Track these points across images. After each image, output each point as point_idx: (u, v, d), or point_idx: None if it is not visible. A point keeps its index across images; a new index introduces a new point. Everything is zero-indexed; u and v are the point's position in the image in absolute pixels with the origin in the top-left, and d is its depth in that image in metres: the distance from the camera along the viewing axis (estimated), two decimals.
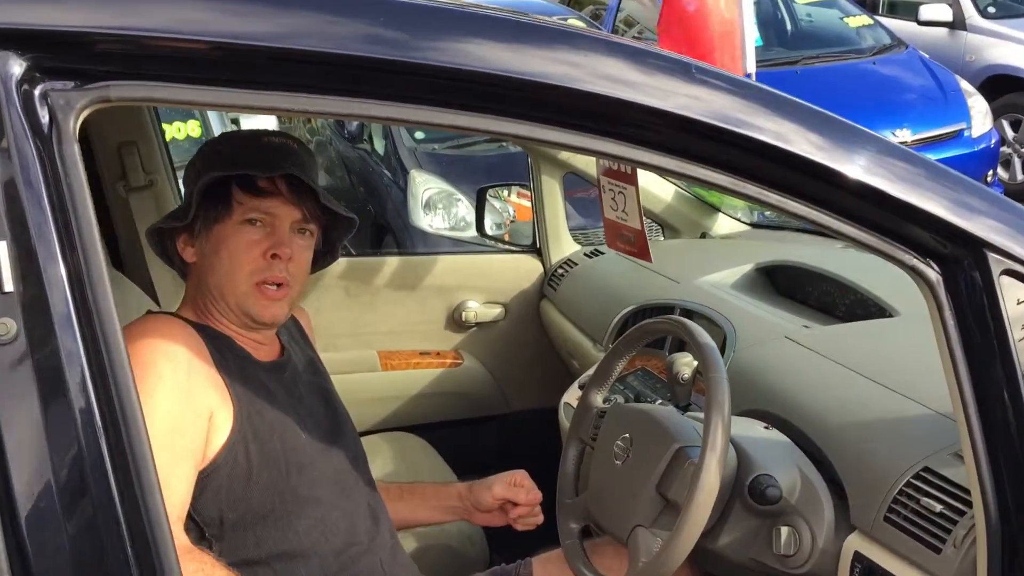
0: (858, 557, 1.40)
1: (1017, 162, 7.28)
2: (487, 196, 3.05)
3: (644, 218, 1.95)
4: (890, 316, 1.89)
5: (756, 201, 1.14)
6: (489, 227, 3.12)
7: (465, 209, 5.08)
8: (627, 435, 1.56)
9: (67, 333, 0.94)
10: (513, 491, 1.73)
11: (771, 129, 1.11)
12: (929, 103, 6.53)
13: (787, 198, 1.15)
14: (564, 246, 2.80)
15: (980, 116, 6.46)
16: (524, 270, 2.81)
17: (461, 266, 2.81)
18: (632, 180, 1.90)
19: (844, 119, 1.18)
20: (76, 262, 0.95)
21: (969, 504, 1.27)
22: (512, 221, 3.42)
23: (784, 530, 1.46)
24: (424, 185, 5.05)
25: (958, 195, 1.18)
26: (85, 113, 0.98)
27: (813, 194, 1.16)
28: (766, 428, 1.60)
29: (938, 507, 1.30)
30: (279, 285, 1.46)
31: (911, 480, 1.36)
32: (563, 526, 1.66)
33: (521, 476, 1.76)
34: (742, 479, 1.48)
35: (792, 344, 1.82)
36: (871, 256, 2.32)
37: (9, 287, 0.93)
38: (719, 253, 2.49)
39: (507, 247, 2.93)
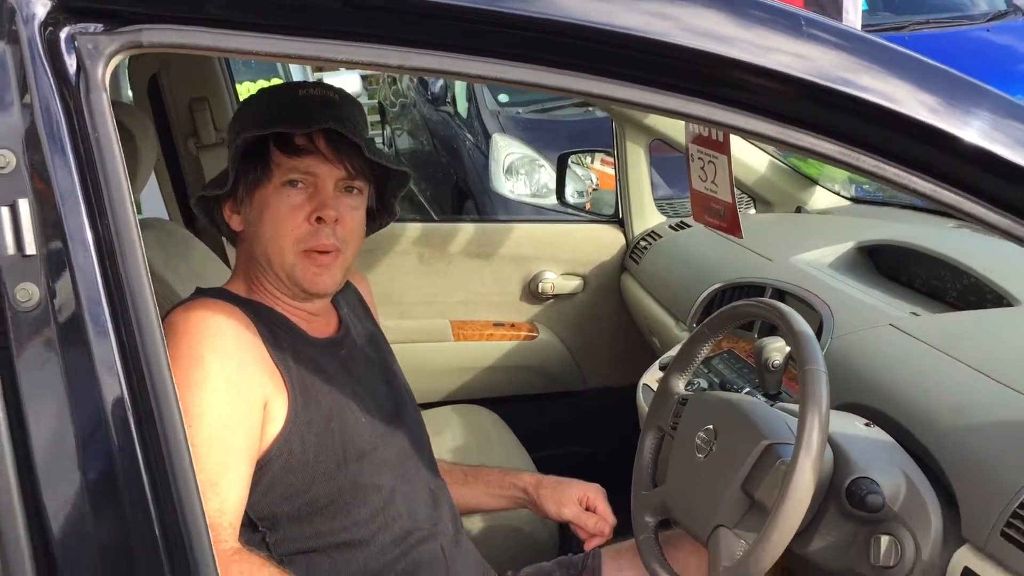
0: (967, 573, 1.25)
1: None
2: (569, 162, 2.91)
3: (735, 190, 1.80)
4: (1009, 305, 1.71)
5: (872, 176, 0.99)
6: (570, 195, 2.99)
7: (547, 175, 4.95)
8: (710, 426, 1.43)
9: (94, 302, 0.85)
10: (583, 517, 1.59)
11: (885, 91, 0.95)
12: None
13: (907, 172, 1.00)
14: (648, 217, 2.66)
15: None
16: (605, 241, 2.67)
17: (539, 235, 2.69)
18: (724, 149, 1.74)
19: (974, 80, 1.03)
20: (105, 224, 0.86)
21: None
22: (595, 189, 3.28)
23: (884, 539, 1.31)
24: (506, 150, 4.93)
25: None
26: (115, 60, 0.88)
27: (936, 167, 1.01)
28: (867, 425, 1.44)
29: None
30: (326, 252, 1.36)
31: None
32: (638, 519, 1.54)
33: (595, 495, 1.61)
34: (839, 481, 1.33)
35: (897, 332, 1.66)
36: (987, 238, 2.13)
37: (31, 250, 0.84)
38: (816, 230, 2.31)
39: (588, 216, 2.79)
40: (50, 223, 0.85)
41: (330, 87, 1.42)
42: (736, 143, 2.51)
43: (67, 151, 0.86)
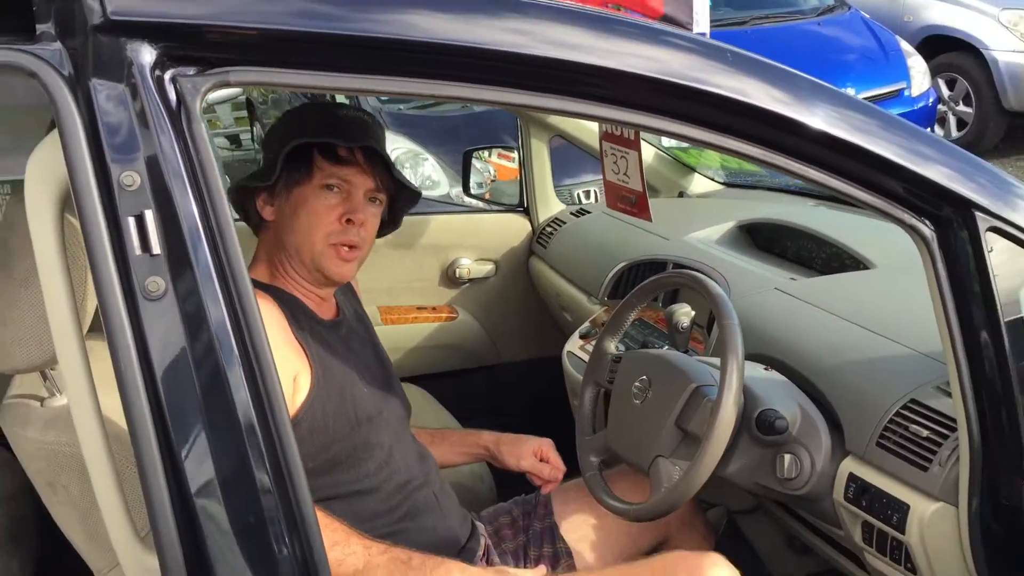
0: (852, 478, 1.60)
1: (952, 120, 7.57)
2: (472, 158, 3.18)
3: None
4: (866, 268, 2.09)
5: (741, 155, 1.26)
6: (473, 187, 3.26)
7: (431, 168, 5.21)
8: (644, 377, 1.74)
9: (208, 288, 1.07)
10: (539, 467, 1.87)
11: (738, 87, 1.22)
12: (871, 63, 6.76)
13: (769, 152, 1.27)
14: (551, 205, 2.96)
15: (919, 75, 6.73)
16: (513, 228, 2.96)
17: (454, 225, 2.96)
18: (634, 146, 2.06)
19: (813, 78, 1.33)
20: (210, 225, 1.08)
21: (951, 429, 1.48)
22: (493, 181, 3.56)
23: (787, 457, 1.65)
24: (391, 144, 5.14)
25: (951, 160, 1.36)
26: (208, 95, 1.11)
27: (789, 146, 1.31)
28: (766, 369, 1.78)
29: (924, 432, 1.50)
30: (351, 247, 1.60)
31: (900, 411, 1.56)
32: (584, 460, 1.84)
33: (547, 448, 1.90)
34: (749, 414, 1.66)
35: (782, 295, 2.01)
36: (843, 213, 2.53)
37: (157, 250, 1.06)
38: (701, 212, 2.67)
39: (498, 206, 3.08)
40: (170, 228, 1.07)
41: (364, 111, 1.67)
42: None
43: (179, 169, 1.07)
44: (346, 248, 1.61)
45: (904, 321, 1.78)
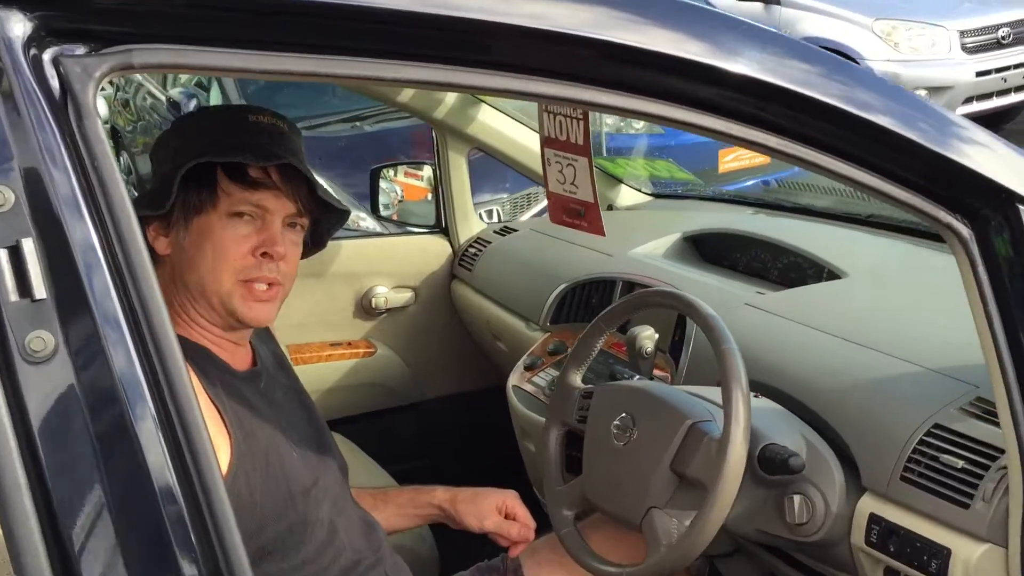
0: (874, 519, 1.40)
1: None
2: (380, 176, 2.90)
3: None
4: (836, 277, 1.92)
5: (659, 119, 1.05)
6: (380, 208, 2.99)
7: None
8: (625, 415, 1.50)
9: (118, 342, 0.78)
10: (505, 526, 1.60)
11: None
12: None
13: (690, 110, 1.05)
14: (472, 224, 2.71)
15: None
16: (432, 251, 2.70)
17: (367, 251, 2.67)
18: (584, 151, 1.83)
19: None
20: (115, 257, 0.80)
21: (991, 457, 1.29)
22: (400, 201, 3.28)
23: (796, 499, 1.44)
24: None
25: (988, 149, 1.18)
26: (104, 82, 0.82)
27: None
28: (756, 397, 1.57)
29: (959, 463, 1.32)
30: (269, 285, 1.31)
31: (923, 439, 1.37)
32: (556, 514, 1.59)
33: (513, 502, 1.63)
34: (750, 450, 1.45)
35: (755, 311, 1.82)
36: (792, 220, 2.37)
37: (41, 293, 0.76)
38: (640, 224, 2.47)
39: (415, 228, 2.80)
40: (59, 263, 0.77)
41: (279, 115, 1.36)
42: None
43: (71, 184, 0.78)
44: (263, 286, 1.32)
45: (902, 335, 1.60)
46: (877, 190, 1.14)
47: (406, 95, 2.43)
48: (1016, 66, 7.17)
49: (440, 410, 2.73)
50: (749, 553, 1.80)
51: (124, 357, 0.79)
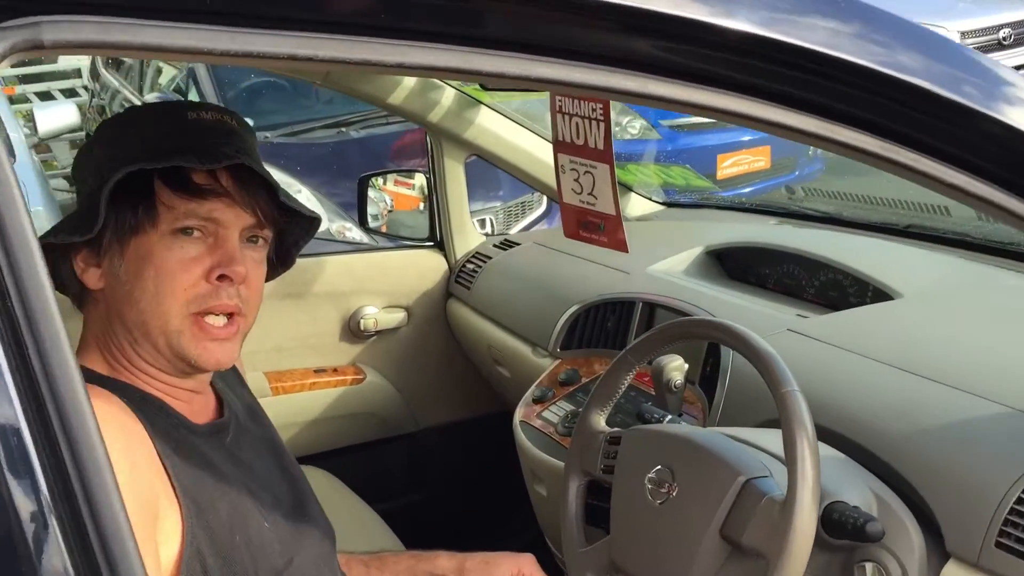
0: None
1: None
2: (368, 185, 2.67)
3: (604, 201, 1.67)
4: (888, 298, 1.70)
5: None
6: (368, 219, 2.76)
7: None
8: (661, 467, 1.28)
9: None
10: None
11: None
12: None
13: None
14: (470, 238, 2.48)
15: None
16: (426, 267, 2.47)
17: (354, 267, 2.43)
18: (605, 157, 1.61)
19: None
20: (6, 292, 0.57)
21: None
22: (390, 211, 3.05)
23: (868, 567, 1.21)
24: None
25: None
26: (5, 64, 0.59)
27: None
28: None
29: None
30: (229, 316, 1.07)
31: (1021, 496, 1.15)
32: None
33: (529, 569, 1.39)
34: None
35: (800, 338, 1.59)
36: (821, 231, 2.15)
37: None
38: (657, 237, 2.24)
39: (407, 242, 2.57)
40: None
41: (224, 110, 1.12)
42: (545, 148, 2.39)
43: None
44: (220, 320, 1.07)
45: (980, 369, 1.38)
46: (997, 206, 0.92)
47: (398, 96, 2.20)
48: (1018, 67, 7.00)
49: (436, 441, 2.49)
50: None
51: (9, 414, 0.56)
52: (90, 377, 1.01)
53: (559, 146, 1.69)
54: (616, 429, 1.41)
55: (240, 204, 1.07)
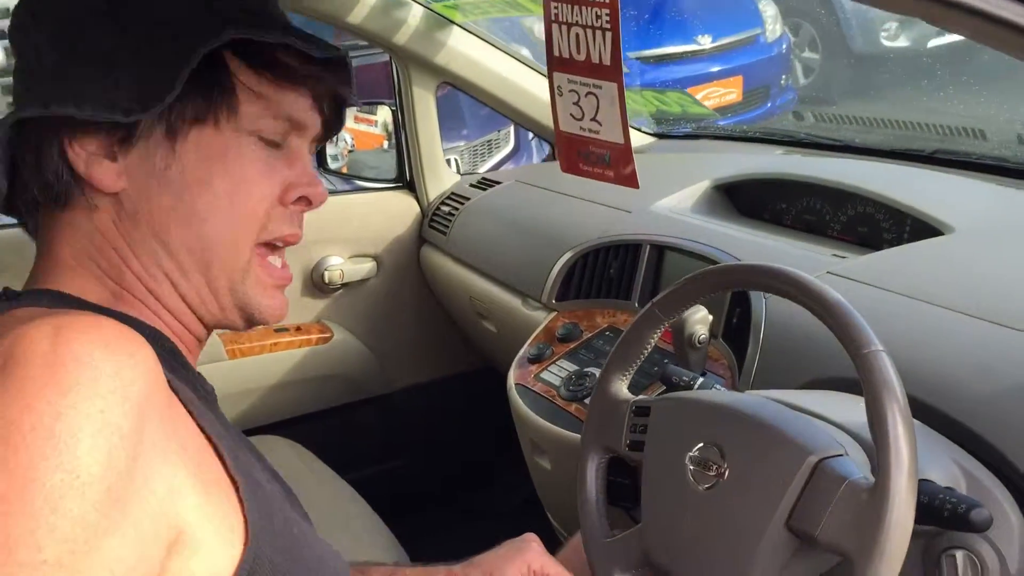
0: None
1: (799, 66, 7.30)
2: None
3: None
4: (936, 233, 1.48)
5: None
6: (327, 160, 2.48)
7: None
8: (705, 444, 1.05)
9: None
10: None
11: None
12: (723, 8, 6.39)
13: None
14: (443, 177, 2.23)
15: (772, 20, 6.40)
16: (396, 211, 2.21)
17: (314, 212, 2.14)
18: (613, 74, 1.35)
19: None
20: None
21: None
22: (351, 151, 2.77)
23: (959, 556, 1.01)
24: None
25: None
26: None
27: None
28: None
29: None
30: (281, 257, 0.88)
31: None
32: None
33: (540, 561, 1.15)
34: None
35: (845, 282, 1.37)
36: (840, 160, 1.92)
37: None
38: (659, 172, 1.99)
39: (369, 184, 2.30)
40: None
41: None
42: (527, 74, 2.14)
43: None
44: (278, 260, 0.88)
45: None
46: None
47: (358, 15, 1.92)
48: None
49: (411, 403, 2.27)
50: None
51: None
52: (81, 307, 0.76)
53: (555, 63, 1.42)
54: (643, 397, 1.18)
55: (320, 108, 0.85)
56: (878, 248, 1.55)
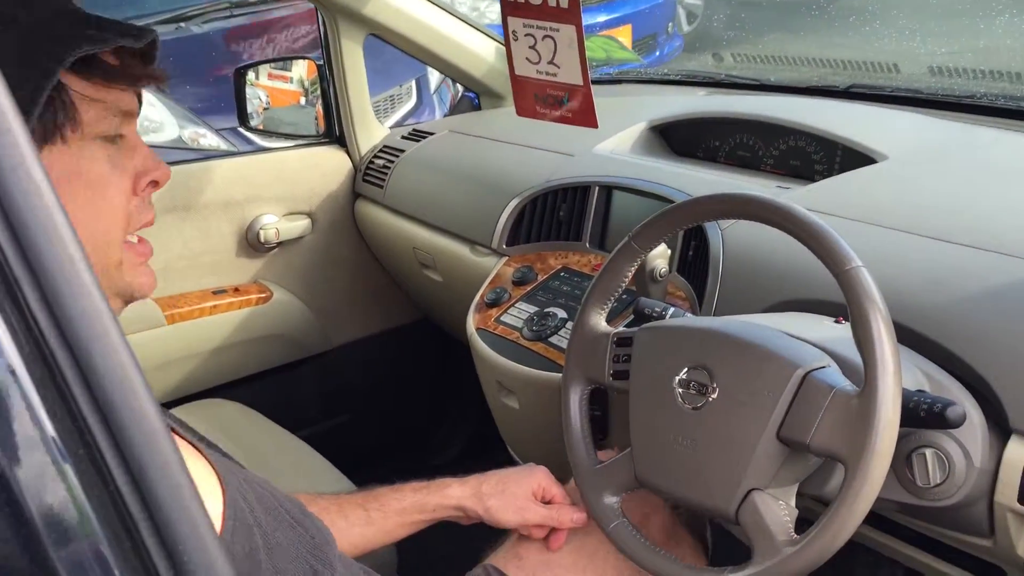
0: None
1: (682, 13, 7.44)
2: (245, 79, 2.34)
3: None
4: (868, 162, 1.56)
5: None
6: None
7: (148, 106, 4.18)
8: (692, 367, 1.10)
9: None
10: (553, 515, 1.22)
11: None
12: None
13: None
14: (373, 131, 2.21)
15: None
16: (328, 167, 2.19)
17: (245, 172, 2.12)
18: (571, 17, 1.38)
19: None
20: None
21: None
22: (266, 108, 2.72)
23: (928, 453, 1.09)
24: None
25: None
26: None
27: None
28: (838, 322, 1.21)
29: None
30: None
31: None
32: (596, 504, 1.19)
33: (546, 481, 1.25)
34: None
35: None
36: (763, 97, 2.00)
37: None
38: None
39: (303, 140, 2.26)
40: None
41: None
42: (456, 25, 2.14)
43: None
44: (136, 238, 0.91)
45: (1009, 228, 1.26)
46: None
47: None
48: None
49: (352, 359, 2.26)
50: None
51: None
52: None
53: (510, 8, 1.44)
54: (624, 329, 1.22)
55: (138, 92, 0.88)
56: (811, 180, 1.63)
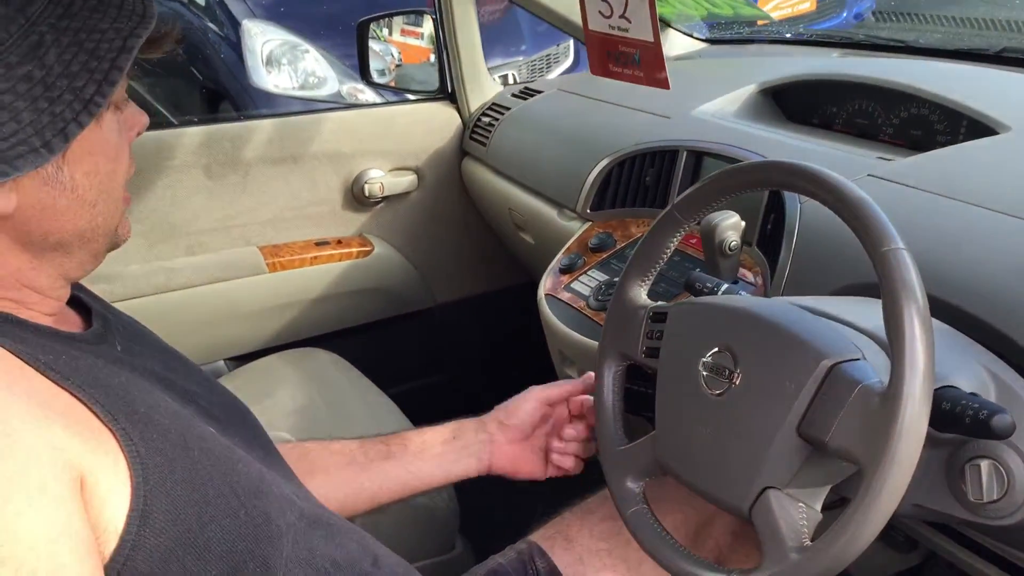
0: None
1: None
2: (369, 32, 2.35)
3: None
4: (991, 132, 1.39)
5: None
6: (373, 74, 2.45)
7: (314, 62, 4.32)
8: (719, 349, 1.01)
9: None
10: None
11: None
12: None
13: None
14: (485, 88, 2.18)
15: None
16: (437, 123, 2.17)
17: (354, 125, 2.14)
18: None
19: None
20: None
21: None
22: (398, 65, 2.73)
23: (984, 466, 0.96)
24: (262, 37, 4.24)
25: None
26: None
27: None
28: None
29: None
30: None
31: None
32: (618, 486, 1.12)
33: (541, 391, 1.30)
34: None
35: (886, 184, 1.30)
36: (896, 60, 1.82)
37: None
38: (702, 77, 1.92)
39: (413, 95, 2.27)
40: None
41: None
42: None
43: None
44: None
45: None
46: None
47: None
48: None
49: (453, 318, 2.26)
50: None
51: None
52: None
53: None
54: (661, 303, 1.14)
55: None
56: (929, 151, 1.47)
